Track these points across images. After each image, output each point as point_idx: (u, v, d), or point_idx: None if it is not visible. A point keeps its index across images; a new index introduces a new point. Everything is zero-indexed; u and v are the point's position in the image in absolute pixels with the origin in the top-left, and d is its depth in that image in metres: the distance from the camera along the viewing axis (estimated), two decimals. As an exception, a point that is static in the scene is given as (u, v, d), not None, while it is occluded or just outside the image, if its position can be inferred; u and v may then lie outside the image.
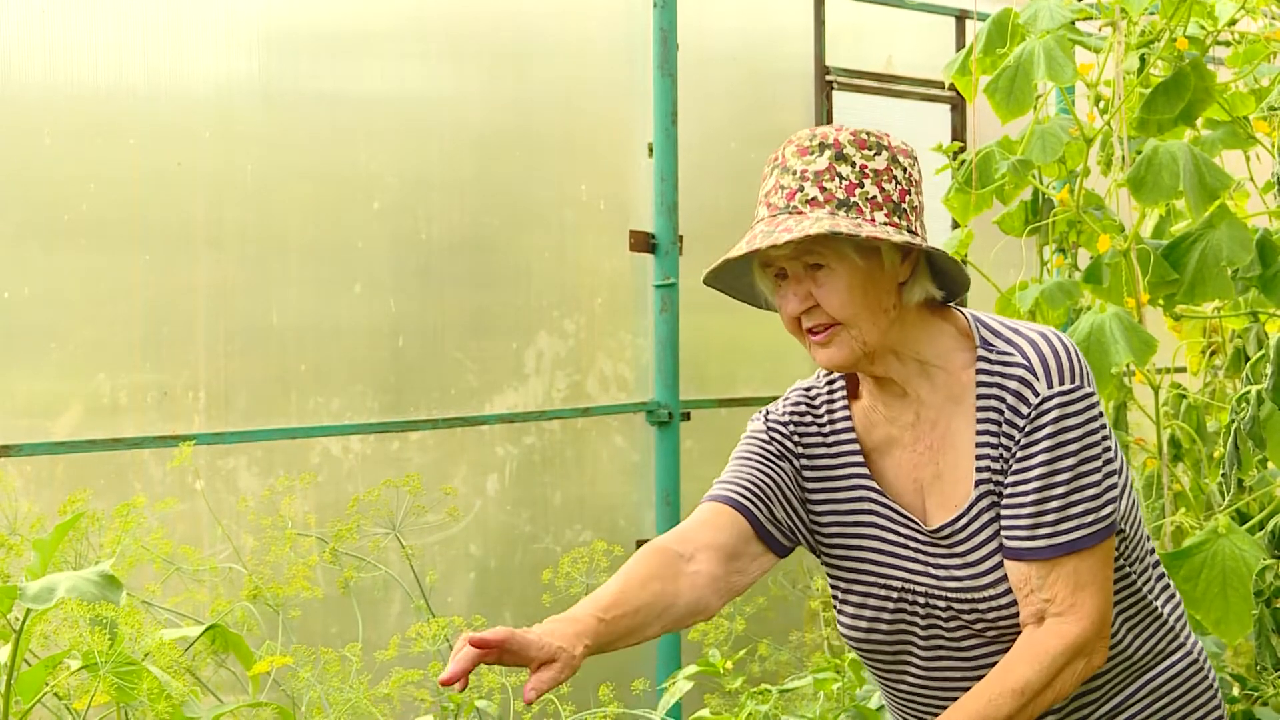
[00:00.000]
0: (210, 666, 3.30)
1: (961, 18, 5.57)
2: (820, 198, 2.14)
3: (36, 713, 2.77)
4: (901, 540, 2.29)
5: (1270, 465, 3.49)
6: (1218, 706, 2.37)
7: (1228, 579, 3.10)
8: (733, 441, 2.41)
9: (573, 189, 4.71)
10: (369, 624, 3.90)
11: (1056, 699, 2.17)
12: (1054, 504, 2.15)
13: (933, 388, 2.24)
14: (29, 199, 3.78)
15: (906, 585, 2.29)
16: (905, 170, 2.18)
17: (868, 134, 2.18)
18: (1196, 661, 2.36)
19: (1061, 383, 2.15)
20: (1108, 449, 2.18)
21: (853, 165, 2.15)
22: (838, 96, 5.29)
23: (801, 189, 2.15)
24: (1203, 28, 3.55)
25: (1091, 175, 3.75)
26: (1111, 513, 2.17)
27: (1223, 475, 3.38)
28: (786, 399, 2.38)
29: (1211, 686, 2.37)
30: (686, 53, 4.81)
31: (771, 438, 2.35)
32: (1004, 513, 2.19)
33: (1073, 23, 3.48)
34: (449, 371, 4.46)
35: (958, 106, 5.59)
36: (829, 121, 5.22)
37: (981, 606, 2.23)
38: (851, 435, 2.32)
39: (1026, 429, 2.16)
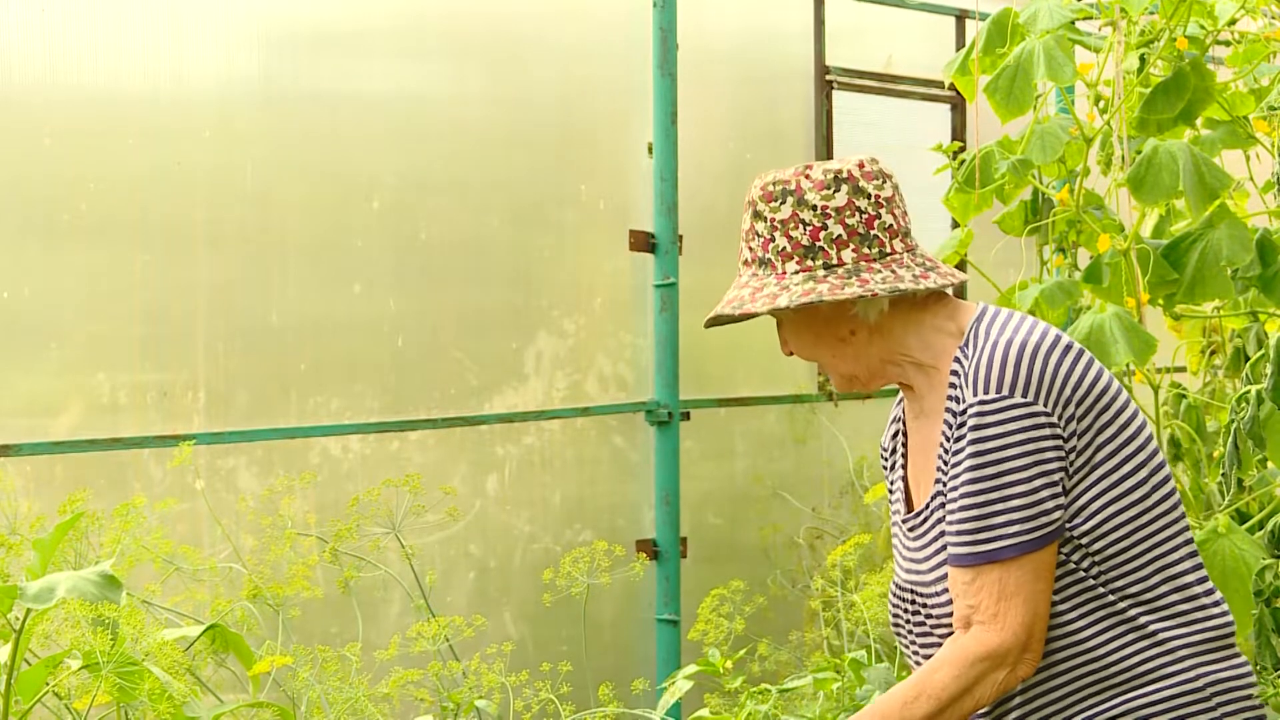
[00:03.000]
0: (210, 666, 3.30)
1: (961, 18, 5.57)
2: (750, 257, 2.28)
3: (36, 713, 2.77)
4: (900, 533, 2.38)
5: (1270, 465, 3.48)
6: None
7: (1227, 579, 3.10)
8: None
9: (573, 189, 4.71)
10: (369, 624, 3.90)
11: (976, 706, 2.18)
12: (975, 512, 2.17)
13: (930, 385, 2.30)
14: (29, 199, 3.78)
15: (896, 578, 2.38)
16: (817, 206, 2.23)
17: (774, 183, 2.26)
18: (1199, 691, 2.20)
19: (986, 392, 2.16)
20: (1041, 462, 2.15)
21: (765, 220, 2.26)
22: (838, 96, 5.29)
23: (741, 249, 2.30)
24: (1203, 27, 3.55)
25: (1091, 175, 3.75)
26: (1042, 527, 2.15)
27: (1223, 475, 3.37)
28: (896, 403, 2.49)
29: None
30: (686, 53, 4.81)
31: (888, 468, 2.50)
32: (946, 516, 2.24)
33: (1073, 22, 3.48)
34: (449, 371, 4.46)
35: (958, 106, 5.59)
36: (829, 121, 5.23)
37: (930, 603, 2.27)
38: (899, 430, 2.43)
39: (955, 434, 2.21)
